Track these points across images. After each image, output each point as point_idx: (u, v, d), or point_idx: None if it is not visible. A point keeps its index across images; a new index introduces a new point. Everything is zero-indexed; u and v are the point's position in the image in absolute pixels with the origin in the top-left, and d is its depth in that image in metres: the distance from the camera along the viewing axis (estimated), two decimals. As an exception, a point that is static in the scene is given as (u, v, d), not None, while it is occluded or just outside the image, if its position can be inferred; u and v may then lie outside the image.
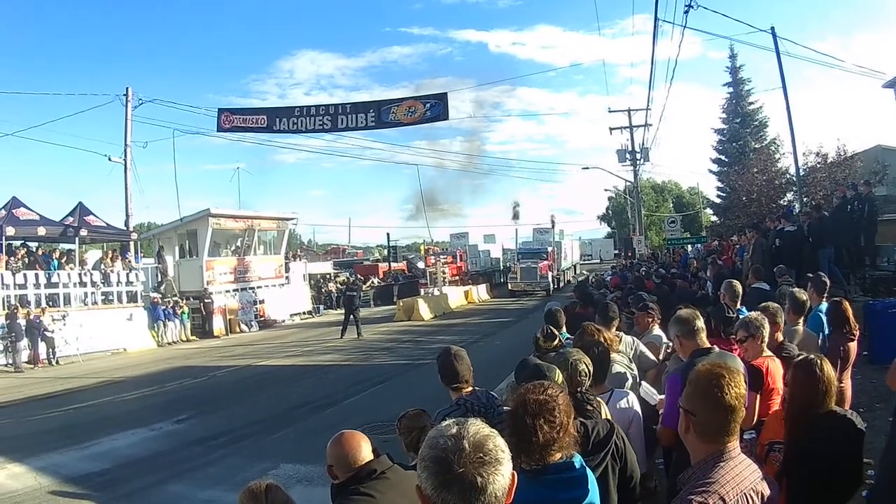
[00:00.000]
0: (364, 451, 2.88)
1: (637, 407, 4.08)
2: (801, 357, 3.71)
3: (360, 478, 2.80)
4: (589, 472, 2.46)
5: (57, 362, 20.80)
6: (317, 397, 13.18)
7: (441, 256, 42.46)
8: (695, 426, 2.29)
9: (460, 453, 1.55)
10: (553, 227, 49.86)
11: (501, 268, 50.65)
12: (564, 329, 6.27)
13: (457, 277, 42.16)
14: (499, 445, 1.60)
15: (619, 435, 3.13)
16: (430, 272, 38.10)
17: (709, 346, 4.43)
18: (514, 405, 2.34)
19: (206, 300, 27.54)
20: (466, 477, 1.53)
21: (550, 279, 40.98)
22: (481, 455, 1.56)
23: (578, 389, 3.34)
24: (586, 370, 3.51)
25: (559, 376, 3.23)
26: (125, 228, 28.38)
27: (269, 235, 34.28)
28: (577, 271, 56.32)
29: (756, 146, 43.07)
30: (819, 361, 3.45)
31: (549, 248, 43.74)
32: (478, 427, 1.62)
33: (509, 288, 41.56)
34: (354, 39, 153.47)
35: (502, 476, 1.57)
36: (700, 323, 4.49)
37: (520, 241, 50.12)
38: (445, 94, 30.69)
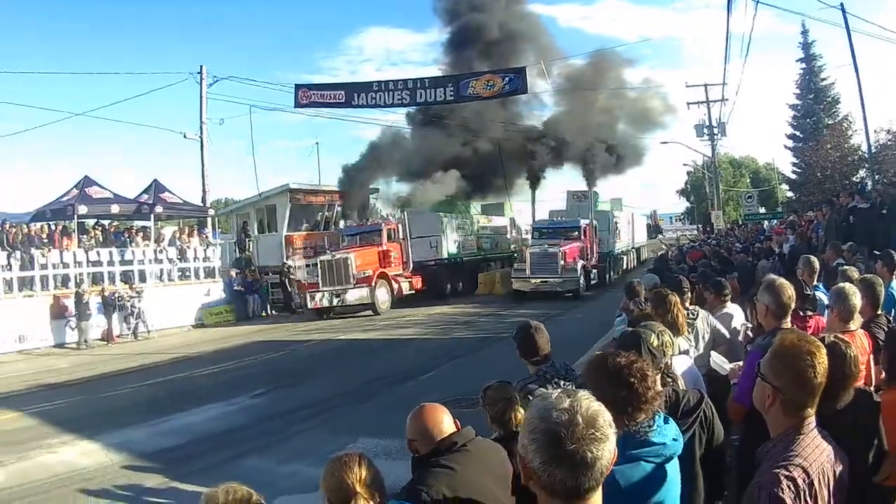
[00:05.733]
0: (445, 423, 2.85)
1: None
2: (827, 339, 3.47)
3: (440, 451, 2.76)
4: (673, 423, 2.54)
5: (135, 337, 21.26)
6: (397, 371, 13.08)
7: (352, 237, 27.56)
8: (780, 400, 2.28)
9: (574, 428, 1.49)
10: (591, 191, 32.58)
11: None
12: None
13: (377, 268, 24.70)
14: (608, 421, 1.56)
15: (709, 405, 3.19)
16: (326, 261, 24.25)
17: (790, 327, 4.21)
18: (617, 371, 2.37)
19: (289, 275, 26.61)
20: (578, 453, 1.48)
21: (580, 271, 25.33)
22: (593, 431, 1.50)
23: (662, 361, 3.33)
24: (670, 341, 3.55)
25: (654, 339, 3.29)
26: (202, 204, 28.58)
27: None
28: (642, 255, 41.67)
29: (829, 122, 41.73)
30: (842, 342, 3.11)
31: (583, 223, 27.86)
32: (589, 401, 1.56)
33: (513, 287, 25.81)
34: (423, 14, 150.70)
35: (609, 451, 1.53)
36: (794, 301, 4.26)
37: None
38: (524, 67, 29.85)
